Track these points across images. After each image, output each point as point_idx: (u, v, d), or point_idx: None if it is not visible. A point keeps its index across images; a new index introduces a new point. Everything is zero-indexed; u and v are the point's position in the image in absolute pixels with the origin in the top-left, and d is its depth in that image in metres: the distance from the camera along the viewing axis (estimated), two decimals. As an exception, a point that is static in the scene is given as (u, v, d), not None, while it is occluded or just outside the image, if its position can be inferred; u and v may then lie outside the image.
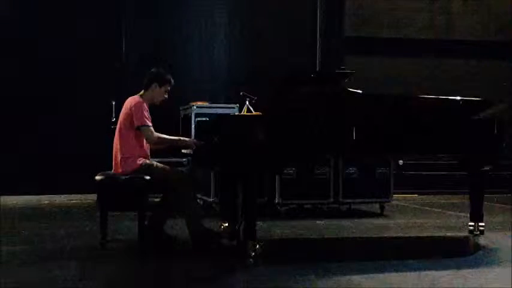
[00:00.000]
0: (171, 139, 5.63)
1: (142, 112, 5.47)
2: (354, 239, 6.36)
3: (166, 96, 5.72)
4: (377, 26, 11.98)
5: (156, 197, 5.90)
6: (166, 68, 5.90)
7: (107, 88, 9.21)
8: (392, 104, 5.82)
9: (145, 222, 5.48)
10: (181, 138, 5.70)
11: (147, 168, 5.49)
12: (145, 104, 5.55)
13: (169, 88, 5.71)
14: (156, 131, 5.57)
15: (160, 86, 5.65)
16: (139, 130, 5.49)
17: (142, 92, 5.67)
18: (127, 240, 5.82)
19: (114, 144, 5.62)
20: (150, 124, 5.50)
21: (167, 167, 5.62)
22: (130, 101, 5.60)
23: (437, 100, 6.00)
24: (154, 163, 5.57)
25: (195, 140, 5.77)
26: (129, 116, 5.51)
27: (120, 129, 5.59)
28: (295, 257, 5.36)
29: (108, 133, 6.88)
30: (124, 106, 5.64)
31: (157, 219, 5.61)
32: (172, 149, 5.80)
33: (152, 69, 5.75)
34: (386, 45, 11.81)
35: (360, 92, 5.49)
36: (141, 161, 5.51)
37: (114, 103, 8.26)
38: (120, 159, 5.50)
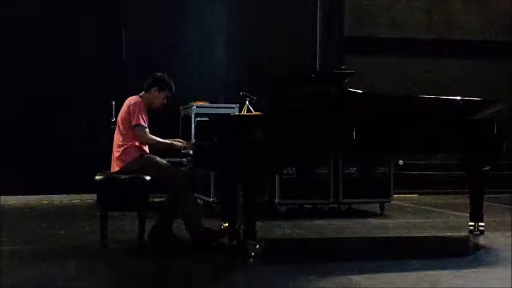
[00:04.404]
0: (162, 142, 5.63)
1: (139, 112, 5.52)
2: (353, 239, 6.36)
3: (165, 102, 5.76)
4: (377, 26, 11.99)
5: (157, 197, 5.90)
6: (165, 69, 5.92)
7: (107, 88, 9.21)
8: (392, 103, 5.82)
9: (154, 222, 5.54)
10: (174, 142, 5.72)
11: (148, 160, 5.53)
12: (143, 105, 5.59)
13: (169, 95, 5.74)
14: (156, 130, 5.60)
15: (159, 91, 5.70)
16: (134, 129, 5.52)
17: (142, 93, 5.72)
18: (127, 240, 5.82)
19: (114, 142, 5.65)
20: (145, 125, 5.54)
21: (167, 164, 5.63)
22: (130, 100, 5.67)
23: (437, 100, 6.00)
24: (157, 157, 5.60)
25: (185, 144, 5.79)
26: (128, 114, 5.56)
27: (119, 127, 5.64)
28: (295, 257, 5.36)
29: (108, 133, 6.89)
30: (124, 104, 5.69)
31: (166, 218, 5.62)
32: (171, 149, 5.81)
33: (157, 73, 5.77)
34: (386, 45, 11.82)
35: (360, 91, 5.49)
36: (142, 151, 5.54)
37: (114, 103, 8.26)
38: (121, 152, 5.53)
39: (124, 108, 5.64)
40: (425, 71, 11.77)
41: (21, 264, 4.88)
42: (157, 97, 5.71)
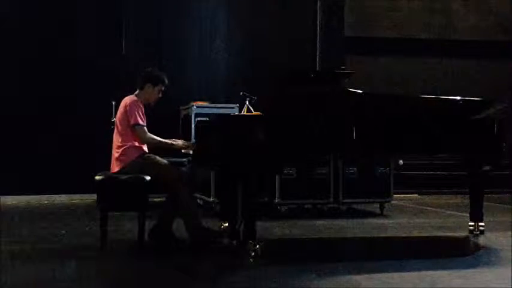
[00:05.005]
0: (163, 141, 5.64)
1: (136, 111, 5.54)
2: (354, 239, 6.36)
3: (160, 95, 5.77)
4: (377, 26, 11.99)
5: (157, 197, 5.90)
6: (165, 68, 5.93)
7: (107, 88, 9.20)
8: (393, 103, 5.82)
9: (154, 222, 5.55)
10: (174, 142, 5.72)
11: (148, 160, 5.54)
12: (140, 103, 5.62)
13: (163, 88, 5.77)
14: (156, 130, 5.60)
15: (154, 86, 5.72)
16: (133, 129, 5.52)
17: (137, 91, 5.74)
18: (127, 240, 5.82)
19: (113, 143, 5.65)
20: (143, 124, 5.56)
21: (167, 164, 5.63)
22: (126, 100, 5.69)
23: (437, 100, 6.00)
24: (157, 157, 5.60)
25: (185, 143, 5.80)
26: (125, 114, 5.58)
27: (118, 127, 5.65)
28: (295, 257, 5.36)
29: (108, 133, 6.88)
30: (120, 105, 5.71)
31: (166, 218, 5.62)
32: (171, 149, 5.81)
33: (146, 69, 5.81)
34: (387, 45, 11.82)
35: (360, 91, 5.49)
36: (142, 151, 5.54)
37: (114, 103, 8.26)
38: (120, 152, 5.53)
39: (121, 109, 5.66)
40: (425, 71, 11.77)
41: (21, 264, 4.88)
42: (152, 92, 5.73)
